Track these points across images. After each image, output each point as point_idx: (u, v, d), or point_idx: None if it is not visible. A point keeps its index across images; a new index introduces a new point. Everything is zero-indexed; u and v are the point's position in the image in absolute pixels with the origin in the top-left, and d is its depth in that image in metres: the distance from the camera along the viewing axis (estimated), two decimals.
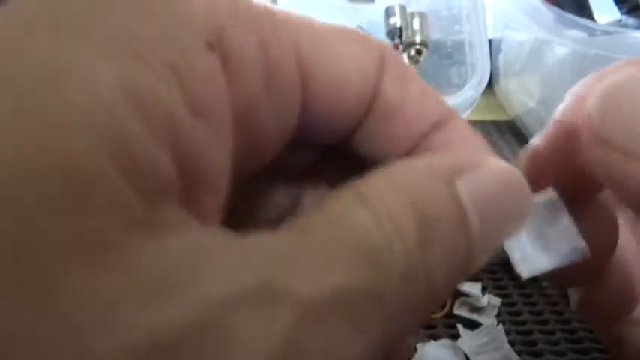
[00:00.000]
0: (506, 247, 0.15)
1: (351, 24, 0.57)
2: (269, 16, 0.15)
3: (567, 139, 0.17)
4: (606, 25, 0.52)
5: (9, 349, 0.08)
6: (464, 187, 0.14)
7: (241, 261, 0.10)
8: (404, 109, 0.17)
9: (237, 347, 0.09)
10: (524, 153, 0.18)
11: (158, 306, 0.09)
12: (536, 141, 0.18)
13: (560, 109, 0.18)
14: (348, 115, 0.16)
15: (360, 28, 0.56)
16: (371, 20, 0.58)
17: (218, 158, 0.13)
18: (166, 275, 0.09)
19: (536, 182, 0.16)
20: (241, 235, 0.11)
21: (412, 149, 0.17)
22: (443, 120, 0.17)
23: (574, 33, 0.47)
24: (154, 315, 0.09)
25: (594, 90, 0.16)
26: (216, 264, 0.10)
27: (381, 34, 0.57)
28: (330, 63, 0.16)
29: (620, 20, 0.55)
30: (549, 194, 0.16)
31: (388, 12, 0.56)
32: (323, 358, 0.10)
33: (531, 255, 0.15)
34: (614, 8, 0.55)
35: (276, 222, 0.19)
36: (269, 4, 0.15)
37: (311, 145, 0.18)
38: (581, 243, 0.15)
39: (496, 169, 0.15)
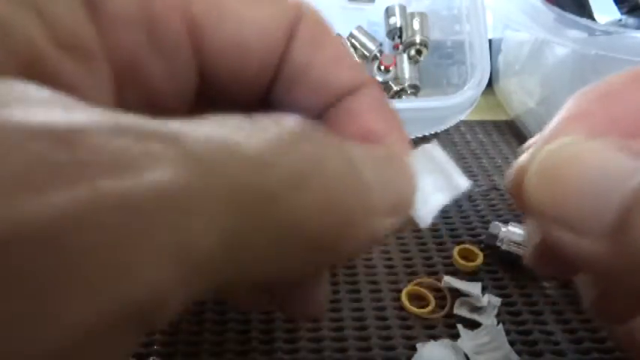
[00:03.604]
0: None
1: (351, 24, 0.57)
2: None
3: None
4: (606, 25, 0.52)
5: None
6: (356, 149, 0.14)
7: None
8: (309, 75, 0.16)
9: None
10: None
11: None
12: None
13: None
14: (251, 79, 0.16)
15: (360, 28, 0.56)
16: (371, 20, 0.58)
17: (95, 90, 0.13)
18: None
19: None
20: None
21: (320, 115, 0.17)
22: (355, 87, 0.17)
23: (574, 33, 0.47)
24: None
25: (534, 159, 0.16)
26: None
27: (381, 34, 0.57)
28: (228, 27, 0.15)
29: (620, 20, 0.55)
30: (425, 145, 0.17)
31: (388, 12, 0.56)
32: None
33: (420, 202, 0.17)
34: (614, 8, 0.54)
35: None
36: None
37: (229, 103, 0.18)
38: (460, 179, 0.17)
39: (384, 147, 0.16)
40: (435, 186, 0.17)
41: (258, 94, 0.17)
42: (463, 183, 0.17)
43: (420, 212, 0.16)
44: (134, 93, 0.15)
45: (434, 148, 0.17)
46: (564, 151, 0.15)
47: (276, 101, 0.17)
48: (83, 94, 0.13)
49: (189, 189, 0.10)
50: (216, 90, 0.17)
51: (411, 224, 0.17)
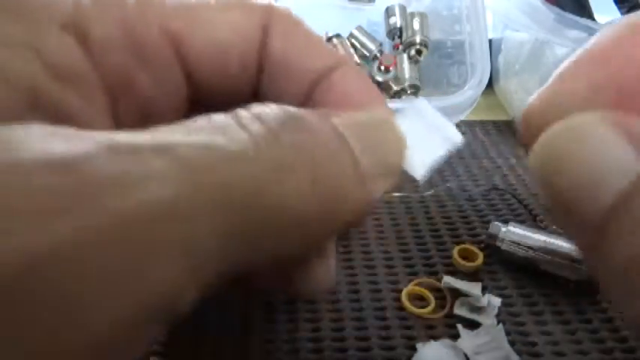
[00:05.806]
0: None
1: (351, 24, 0.57)
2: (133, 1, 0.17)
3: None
4: (606, 25, 0.52)
5: None
6: (339, 121, 0.15)
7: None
8: (287, 64, 0.18)
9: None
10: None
11: None
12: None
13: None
14: (236, 77, 0.18)
15: (360, 28, 0.56)
16: (371, 20, 0.58)
17: (92, 113, 0.15)
18: None
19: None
20: None
21: (305, 100, 0.18)
22: (332, 66, 0.18)
23: (574, 33, 0.47)
24: None
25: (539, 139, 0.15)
26: None
27: (381, 34, 0.57)
28: (205, 32, 0.17)
29: None
30: (415, 102, 0.18)
31: (388, 12, 0.56)
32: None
33: (414, 157, 0.17)
34: (614, 8, 0.55)
35: None
36: None
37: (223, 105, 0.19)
38: (452, 132, 0.18)
39: (367, 112, 0.16)
40: (428, 141, 0.17)
41: (248, 92, 0.18)
42: (456, 136, 0.18)
43: (414, 166, 0.17)
44: (129, 107, 0.17)
45: (422, 103, 0.18)
46: (567, 134, 0.15)
47: (265, 95, 0.18)
48: (82, 118, 0.14)
49: (187, 197, 0.11)
50: (207, 93, 0.18)
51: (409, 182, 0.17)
